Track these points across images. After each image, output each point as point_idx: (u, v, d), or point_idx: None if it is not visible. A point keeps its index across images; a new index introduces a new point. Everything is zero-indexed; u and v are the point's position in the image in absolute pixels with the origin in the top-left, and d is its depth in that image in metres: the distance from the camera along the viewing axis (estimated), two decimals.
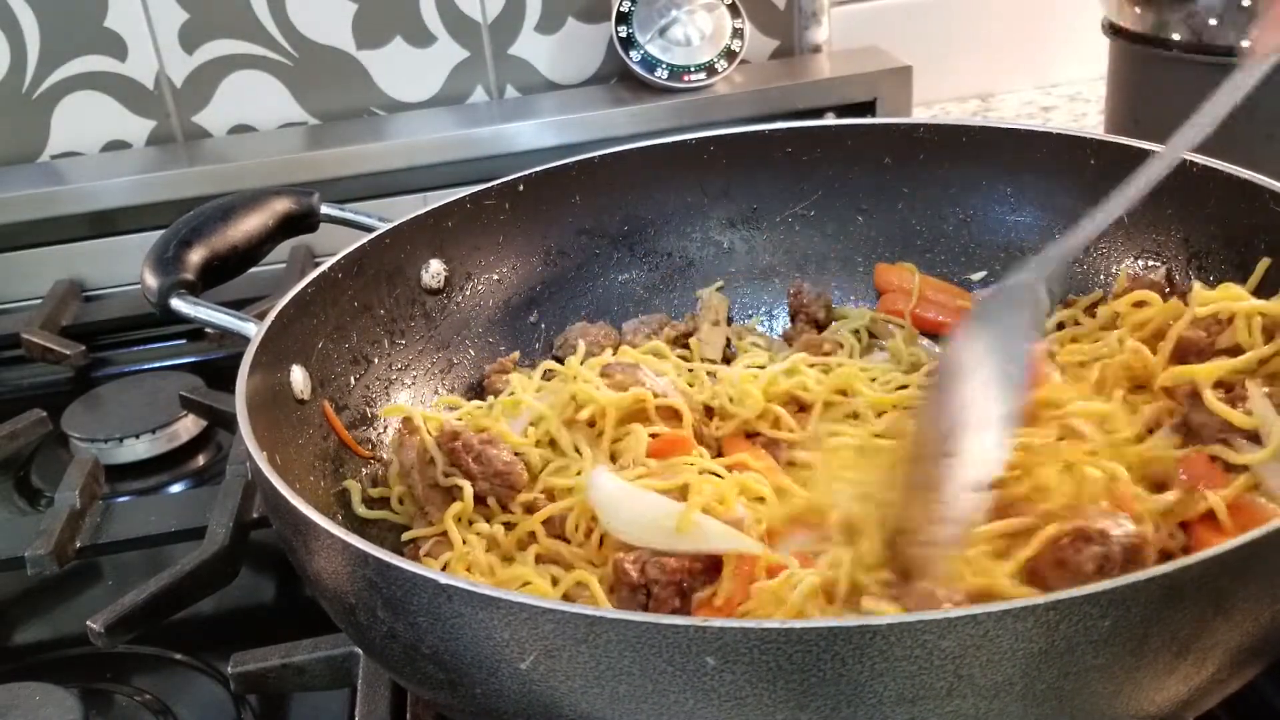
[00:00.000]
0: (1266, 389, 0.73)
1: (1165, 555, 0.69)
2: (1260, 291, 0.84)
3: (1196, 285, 0.82)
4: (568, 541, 0.79)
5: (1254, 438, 0.72)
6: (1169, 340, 0.79)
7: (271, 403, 0.80)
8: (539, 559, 0.78)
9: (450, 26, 1.49)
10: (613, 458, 0.85)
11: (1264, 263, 0.84)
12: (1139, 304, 0.86)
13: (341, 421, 0.87)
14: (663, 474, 0.80)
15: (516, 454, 0.84)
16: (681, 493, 0.77)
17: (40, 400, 1.19)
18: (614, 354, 0.94)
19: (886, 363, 0.95)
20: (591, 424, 0.86)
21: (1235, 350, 0.77)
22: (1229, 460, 0.71)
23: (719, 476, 0.80)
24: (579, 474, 0.82)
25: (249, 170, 1.38)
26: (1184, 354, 0.78)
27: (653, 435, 0.85)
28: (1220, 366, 0.75)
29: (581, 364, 0.93)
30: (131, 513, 0.99)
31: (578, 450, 0.85)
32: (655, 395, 0.87)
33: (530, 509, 0.81)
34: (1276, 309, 0.76)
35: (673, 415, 0.87)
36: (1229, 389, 0.75)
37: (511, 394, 0.91)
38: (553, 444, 0.86)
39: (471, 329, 1.01)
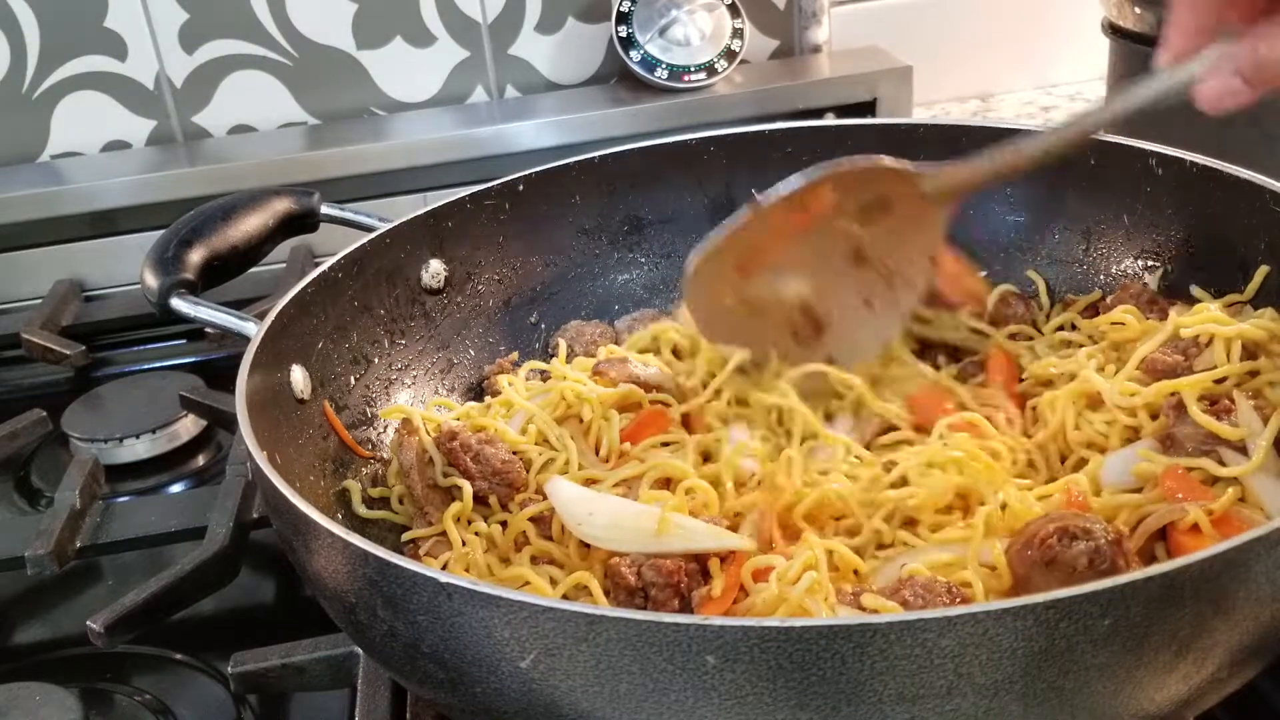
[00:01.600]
0: (1253, 401, 0.74)
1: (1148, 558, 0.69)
2: (1259, 298, 0.84)
3: (1173, 312, 0.83)
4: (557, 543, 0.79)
5: (1240, 449, 0.73)
6: (1132, 362, 0.80)
7: (272, 403, 0.80)
8: (535, 560, 0.78)
9: (450, 26, 1.49)
10: (597, 449, 0.86)
11: (1262, 270, 0.84)
12: (1118, 323, 0.86)
13: (341, 421, 0.87)
14: (625, 464, 0.82)
15: (515, 453, 0.85)
16: (629, 485, 0.80)
17: (40, 400, 1.19)
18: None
19: None
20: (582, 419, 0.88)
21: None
22: (1214, 473, 0.72)
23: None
24: (566, 462, 0.84)
25: (249, 170, 1.38)
26: (1160, 378, 0.79)
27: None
28: (1204, 378, 0.76)
29: (568, 363, 0.95)
30: (131, 513, 0.99)
31: (562, 444, 0.86)
32: (648, 386, 0.89)
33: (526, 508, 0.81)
34: (1256, 334, 0.77)
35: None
36: (1213, 402, 0.75)
37: (498, 393, 0.93)
38: (548, 443, 0.87)
39: (471, 329, 1.01)
